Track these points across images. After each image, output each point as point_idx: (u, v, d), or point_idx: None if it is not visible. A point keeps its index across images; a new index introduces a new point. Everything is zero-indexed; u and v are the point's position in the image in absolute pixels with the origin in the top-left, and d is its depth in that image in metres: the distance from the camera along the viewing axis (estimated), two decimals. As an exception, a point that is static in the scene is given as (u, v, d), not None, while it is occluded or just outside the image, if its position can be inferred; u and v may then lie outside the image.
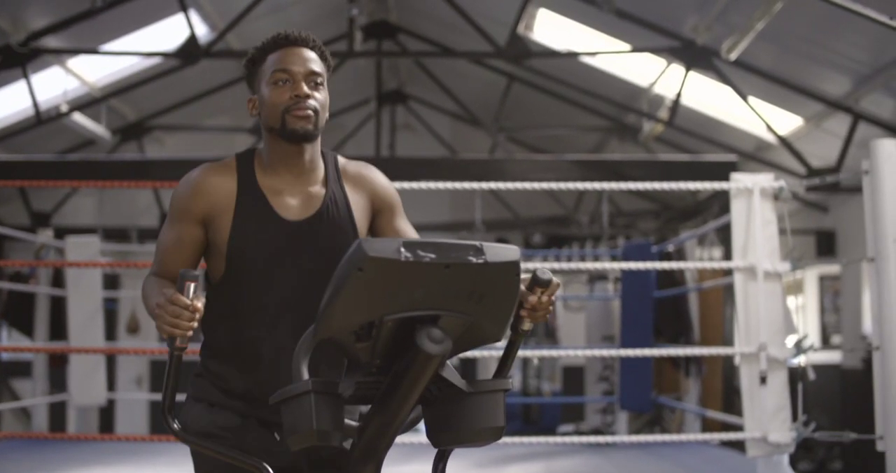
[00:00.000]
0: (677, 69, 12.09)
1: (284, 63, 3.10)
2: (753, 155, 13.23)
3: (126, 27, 11.83)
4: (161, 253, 3.13)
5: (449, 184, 6.88)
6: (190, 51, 10.69)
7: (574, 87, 13.19)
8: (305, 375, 2.57)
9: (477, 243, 2.48)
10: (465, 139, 16.65)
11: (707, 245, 13.23)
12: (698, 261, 12.05)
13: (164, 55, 11.37)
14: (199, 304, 2.66)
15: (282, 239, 3.08)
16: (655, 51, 11.80)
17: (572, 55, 12.40)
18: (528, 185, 6.94)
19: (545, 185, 7.02)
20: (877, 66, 10.25)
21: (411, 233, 3.25)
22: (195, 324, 2.69)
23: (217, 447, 2.84)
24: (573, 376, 15.28)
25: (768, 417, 6.50)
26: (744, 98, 11.30)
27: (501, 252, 2.50)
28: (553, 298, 2.79)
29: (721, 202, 12.77)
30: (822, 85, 11.13)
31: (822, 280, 14.01)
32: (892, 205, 6.13)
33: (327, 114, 3.15)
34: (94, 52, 11.59)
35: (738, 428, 7.23)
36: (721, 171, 11.66)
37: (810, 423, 6.49)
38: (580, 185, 7.22)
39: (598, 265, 8.11)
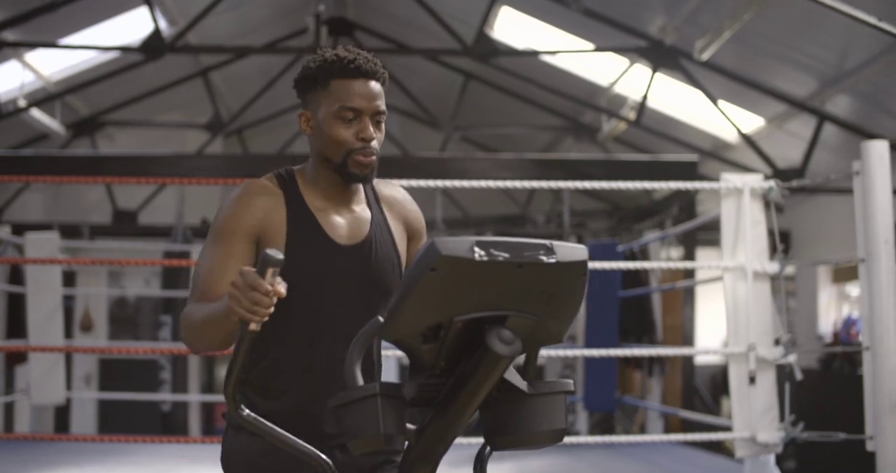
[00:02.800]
0: (641, 69, 12.12)
1: (354, 100, 2.97)
2: (715, 154, 13.30)
3: (84, 21, 11.67)
4: (206, 275, 2.94)
5: (405, 182, 6.70)
6: (154, 46, 10.55)
7: (535, 85, 13.19)
8: (360, 379, 2.51)
9: (547, 242, 2.43)
10: (415, 137, 16.60)
11: (666, 245, 13.29)
12: (661, 261, 12.05)
13: (128, 50, 11.23)
14: (282, 289, 2.52)
15: (335, 264, 3.00)
16: (620, 50, 11.82)
17: (535, 54, 12.40)
18: (491, 183, 6.89)
19: (507, 184, 7.03)
20: (843, 68, 10.32)
21: None
22: (272, 310, 2.55)
23: (282, 436, 2.69)
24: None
25: (757, 417, 6.50)
26: (713, 100, 11.34)
27: (571, 251, 2.44)
28: None
29: (682, 202, 12.87)
30: (787, 86, 11.19)
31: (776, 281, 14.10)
32: (883, 206, 6.16)
33: None
34: (54, 45, 11.41)
35: (706, 428, 7.24)
36: (683, 171, 11.75)
37: (798, 423, 6.50)
38: (545, 184, 7.12)
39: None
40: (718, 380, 15.41)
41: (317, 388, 2.99)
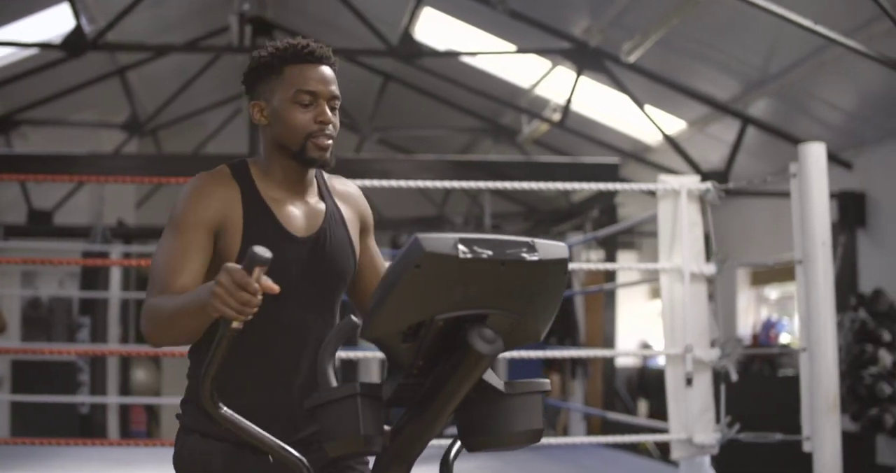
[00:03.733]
0: (563, 71, 12.14)
1: (310, 84, 2.95)
2: (636, 157, 13.36)
3: (1, 18, 11.43)
4: (165, 265, 2.87)
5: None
6: (76, 43, 10.34)
7: (455, 86, 13.16)
8: (333, 380, 2.48)
9: (529, 240, 2.39)
10: (329, 139, 16.47)
11: (587, 248, 13.33)
12: (584, 263, 12.07)
13: (50, 47, 11.02)
14: (271, 284, 2.45)
15: (291, 255, 2.95)
16: (544, 52, 11.82)
17: (457, 55, 12.36)
18: (412, 184, 6.81)
19: (429, 184, 6.98)
20: (768, 71, 10.40)
21: (378, 253, 3.21)
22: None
23: (259, 435, 2.59)
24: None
25: (694, 419, 6.50)
26: (639, 102, 11.38)
27: (552, 249, 2.41)
28: None
29: (602, 204, 12.91)
30: (711, 88, 11.26)
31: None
32: (820, 208, 6.18)
33: None
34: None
35: (625, 429, 7.24)
36: (604, 173, 11.79)
37: (734, 424, 6.51)
38: (473, 184, 6.99)
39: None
40: (634, 382, 15.52)
41: (276, 382, 2.94)
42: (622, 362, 14.93)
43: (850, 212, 10.83)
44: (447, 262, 2.28)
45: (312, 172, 3.05)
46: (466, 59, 12.89)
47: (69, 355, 10.59)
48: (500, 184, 6.85)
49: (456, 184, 6.78)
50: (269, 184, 3.00)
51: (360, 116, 14.76)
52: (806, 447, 6.18)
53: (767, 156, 12.05)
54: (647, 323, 16.69)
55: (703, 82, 11.21)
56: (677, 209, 6.68)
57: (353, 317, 2.54)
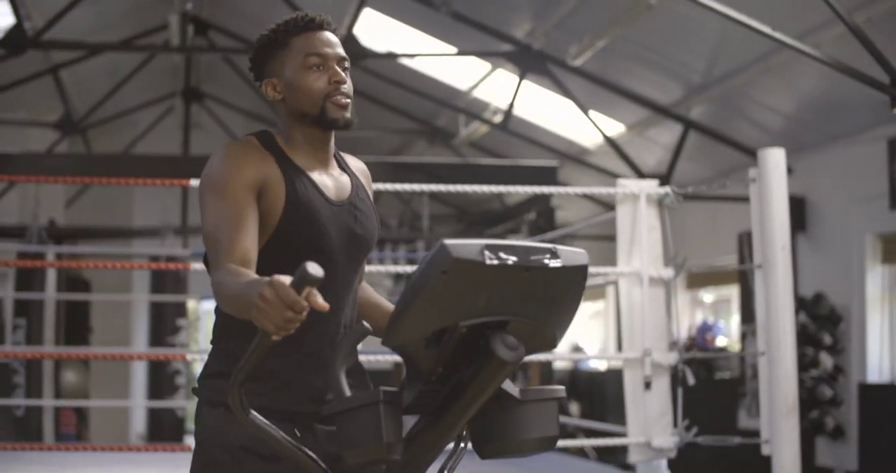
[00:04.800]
0: (504, 74, 12.14)
1: (317, 47, 2.97)
2: (573, 160, 13.39)
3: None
4: (221, 233, 2.79)
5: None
6: (16, 41, 10.16)
7: (392, 86, 13.13)
8: (347, 389, 2.45)
9: (551, 246, 2.38)
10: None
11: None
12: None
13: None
14: (321, 300, 2.32)
15: (330, 218, 2.95)
16: (486, 55, 11.81)
17: (396, 56, 12.32)
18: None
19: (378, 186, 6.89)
20: (711, 75, 10.47)
21: None
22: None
23: (286, 443, 2.52)
24: (379, 380, 15.17)
25: (652, 422, 6.52)
26: (582, 106, 11.41)
27: (573, 256, 2.41)
28: None
29: (540, 207, 12.93)
30: (653, 92, 11.31)
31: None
32: (780, 213, 6.24)
33: None
34: None
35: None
36: (543, 176, 11.81)
37: (691, 428, 6.53)
38: (418, 187, 6.94)
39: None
40: (566, 384, 15.57)
41: (299, 349, 2.87)
42: (555, 365, 14.97)
43: (790, 216, 10.89)
44: (474, 268, 2.26)
45: (333, 142, 3.05)
46: (404, 61, 12.85)
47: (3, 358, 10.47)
48: (441, 187, 6.82)
49: (399, 186, 6.71)
50: (295, 153, 2.99)
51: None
52: (765, 450, 6.22)
53: (705, 159, 12.14)
54: (579, 325, 16.76)
55: (646, 86, 11.26)
56: (636, 213, 6.70)
57: (365, 323, 2.51)
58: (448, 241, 2.26)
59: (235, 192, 2.84)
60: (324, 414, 2.45)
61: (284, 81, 2.99)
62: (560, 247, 2.39)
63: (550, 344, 2.50)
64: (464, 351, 2.37)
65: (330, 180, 3.02)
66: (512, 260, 2.30)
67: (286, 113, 3.01)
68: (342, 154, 3.17)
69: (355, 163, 3.18)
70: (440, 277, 2.24)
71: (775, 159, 6.27)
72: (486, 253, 2.27)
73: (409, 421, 2.54)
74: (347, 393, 2.45)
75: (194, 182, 6.01)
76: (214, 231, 2.82)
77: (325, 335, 2.92)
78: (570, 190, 7.60)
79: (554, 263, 2.35)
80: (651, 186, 6.74)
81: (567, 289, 2.43)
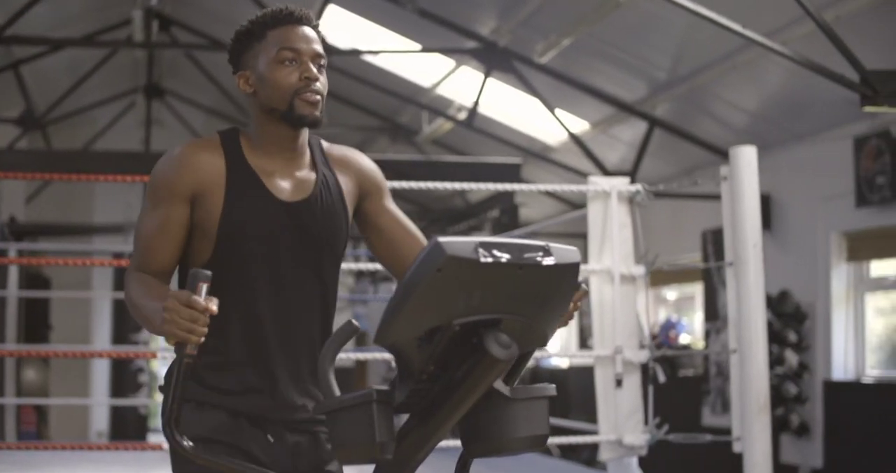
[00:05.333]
0: (469, 71, 12.12)
1: (292, 41, 2.93)
2: (537, 157, 13.38)
3: None
4: (144, 240, 2.89)
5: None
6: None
7: (354, 82, 13.09)
8: (336, 388, 2.43)
9: (543, 243, 2.37)
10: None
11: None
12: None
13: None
14: (214, 306, 2.45)
15: (278, 220, 2.92)
16: (450, 52, 11.78)
17: (359, 53, 12.28)
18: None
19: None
20: (676, 74, 10.48)
21: (402, 215, 3.18)
22: (206, 329, 2.46)
23: (231, 462, 2.57)
24: (344, 378, 15.14)
25: (623, 420, 6.52)
26: (548, 104, 11.40)
27: (566, 253, 2.39)
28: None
29: (503, 204, 12.92)
30: (618, 90, 11.31)
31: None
32: (751, 211, 6.24)
33: None
34: None
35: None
36: (506, 174, 11.79)
37: (662, 426, 6.54)
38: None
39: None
40: (527, 381, 15.53)
41: (266, 355, 2.91)
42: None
43: (756, 213, 10.95)
44: (468, 266, 2.25)
45: (304, 138, 3.02)
46: (368, 58, 12.80)
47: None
48: (403, 184, 6.79)
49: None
50: (258, 152, 2.97)
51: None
52: (736, 447, 6.23)
53: (669, 156, 12.15)
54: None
55: (612, 83, 11.26)
56: (607, 210, 6.69)
57: (353, 321, 2.50)
58: (442, 239, 2.25)
59: (166, 200, 2.89)
60: (314, 414, 2.48)
61: (257, 74, 2.97)
62: (552, 245, 2.37)
63: (541, 342, 2.49)
64: (456, 350, 2.35)
65: (288, 180, 2.98)
66: (506, 257, 2.29)
67: (256, 108, 2.99)
68: (331, 147, 3.13)
69: (341, 153, 3.14)
70: (435, 275, 2.23)
71: (747, 157, 6.27)
72: (481, 250, 2.26)
73: (399, 420, 2.54)
74: (337, 392, 2.43)
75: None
76: (138, 235, 2.92)
77: (293, 341, 2.93)
78: (537, 187, 7.59)
79: (547, 261, 2.34)
80: (622, 184, 6.74)
81: (559, 287, 2.42)
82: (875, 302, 10.25)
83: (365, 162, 3.16)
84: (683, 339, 12.87)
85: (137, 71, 15.04)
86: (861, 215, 9.69)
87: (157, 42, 12.98)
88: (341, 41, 12.55)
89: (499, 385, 2.49)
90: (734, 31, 6.85)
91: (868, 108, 6.96)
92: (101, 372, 16.36)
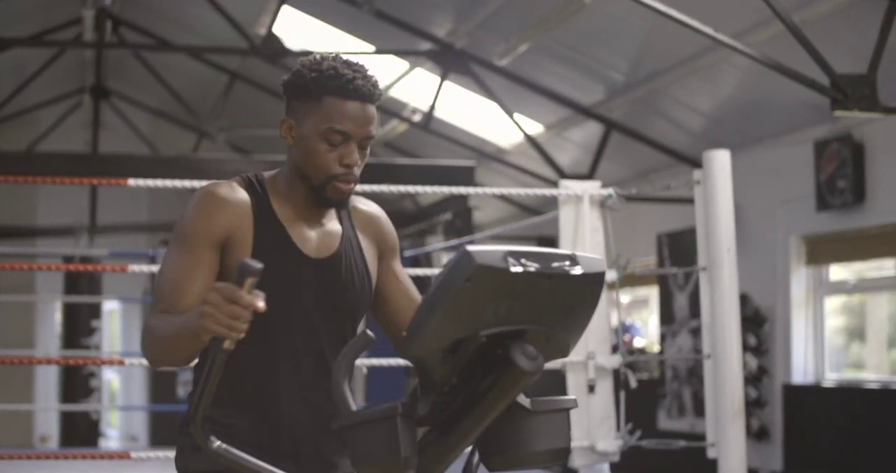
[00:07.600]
0: (423, 73, 12.06)
1: (345, 124, 2.77)
2: (490, 159, 13.34)
3: None
4: (171, 284, 2.75)
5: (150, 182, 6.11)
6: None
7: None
8: (352, 401, 2.37)
9: (570, 253, 2.34)
10: (165, 137, 16.29)
11: (449, 252, 13.23)
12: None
13: None
14: (260, 303, 2.31)
15: (303, 276, 2.84)
16: (405, 53, 11.71)
17: (309, 54, 12.17)
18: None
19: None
20: (635, 77, 10.46)
21: (406, 279, 3.08)
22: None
23: (252, 462, 2.46)
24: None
25: (595, 426, 6.47)
26: (506, 107, 11.35)
27: (592, 263, 2.35)
28: None
29: (456, 208, 12.83)
30: (576, 93, 11.28)
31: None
32: (725, 215, 6.25)
33: None
34: None
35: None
36: (460, 176, 11.72)
37: (635, 431, 6.49)
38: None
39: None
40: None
41: (279, 403, 2.84)
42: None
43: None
44: (498, 276, 2.20)
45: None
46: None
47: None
48: (365, 188, 6.66)
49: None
50: (284, 203, 2.88)
51: (202, 115, 14.56)
52: (710, 453, 6.20)
53: (624, 159, 12.14)
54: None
55: (568, 86, 11.23)
56: (579, 214, 6.64)
57: (368, 332, 2.42)
58: (471, 248, 2.20)
59: (194, 246, 2.78)
60: (334, 428, 2.37)
61: (300, 133, 2.83)
62: (579, 254, 2.34)
63: (563, 353, 2.44)
64: (480, 361, 2.30)
65: (315, 234, 2.90)
66: (534, 267, 2.24)
67: (291, 161, 2.88)
68: (357, 199, 3.02)
69: (365, 209, 3.03)
70: (464, 285, 2.18)
71: (721, 161, 6.27)
72: (510, 259, 2.21)
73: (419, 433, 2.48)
74: (353, 405, 2.36)
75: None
76: (164, 282, 2.78)
77: (302, 401, 2.86)
78: (499, 191, 7.49)
79: (575, 270, 2.30)
80: (594, 188, 6.69)
81: (584, 297, 2.37)
82: (832, 305, 10.31)
83: (386, 224, 3.06)
84: (637, 343, 12.86)
85: (84, 71, 14.85)
86: (821, 219, 9.72)
87: (105, 42, 12.81)
88: (294, 43, 12.45)
89: (520, 397, 2.44)
90: (702, 32, 6.80)
91: (839, 113, 6.95)
92: (46, 377, 16.12)
